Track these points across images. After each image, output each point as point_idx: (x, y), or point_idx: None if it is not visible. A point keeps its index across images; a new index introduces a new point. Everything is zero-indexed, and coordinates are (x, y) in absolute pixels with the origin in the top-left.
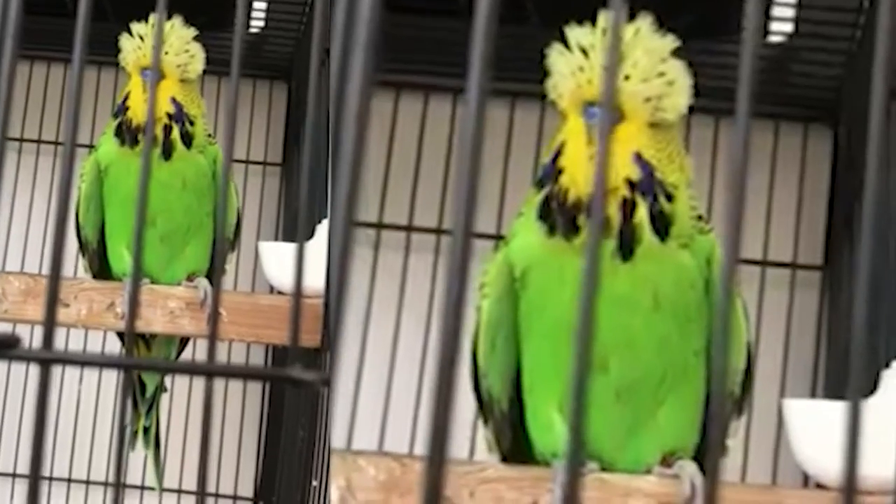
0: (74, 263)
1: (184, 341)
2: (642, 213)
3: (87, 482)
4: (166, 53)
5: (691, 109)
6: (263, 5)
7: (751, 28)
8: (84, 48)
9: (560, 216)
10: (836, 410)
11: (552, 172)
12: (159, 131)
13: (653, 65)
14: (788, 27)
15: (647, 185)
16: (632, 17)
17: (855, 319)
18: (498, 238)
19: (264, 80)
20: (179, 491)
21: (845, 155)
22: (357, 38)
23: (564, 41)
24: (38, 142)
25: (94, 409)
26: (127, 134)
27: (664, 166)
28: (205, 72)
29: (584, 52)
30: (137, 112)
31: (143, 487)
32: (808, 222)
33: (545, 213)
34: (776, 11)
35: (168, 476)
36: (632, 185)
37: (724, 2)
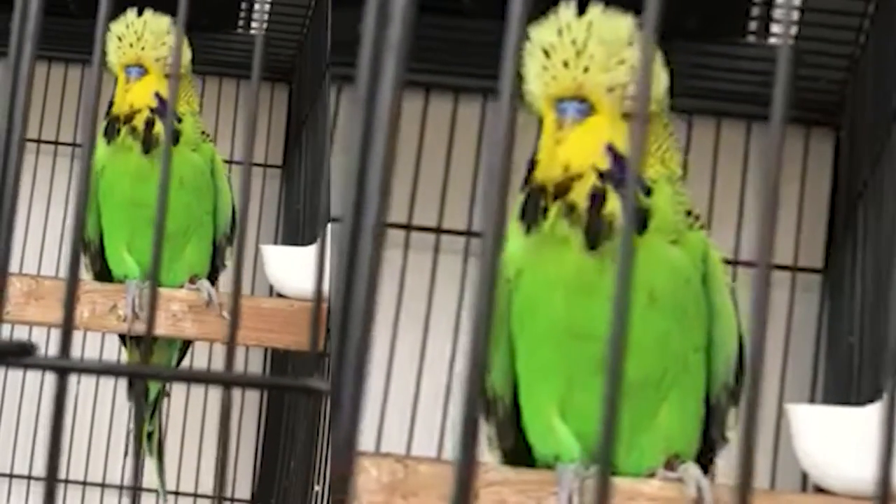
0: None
1: (185, 344)
2: (614, 205)
3: (84, 483)
4: (143, 49)
5: (693, 111)
6: (266, 7)
7: (785, 35)
8: (101, 55)
9: (529, 204)
10: (841, 416)
11: (529, 169)
12: (140, 124)
13: (611, 53)
14: (792, 30)
15: (621, 177)
16: (582, 9)
17: (891, 322)
18: None
19: (266, 82)
20: (177, 493)
21: (847, 158)
22: (389, 39)
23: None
24: (38, 141)
25: (92, 409)
26: (109, 128)
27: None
28: (206, 73)
29: (546, 52)
30: (120, 106)
31: (136, 489)
32: (809, 225)
33: (522, 213)
34: (779, 14)
35: (167, 477)
36: (601, 175)
37: (726, 5)
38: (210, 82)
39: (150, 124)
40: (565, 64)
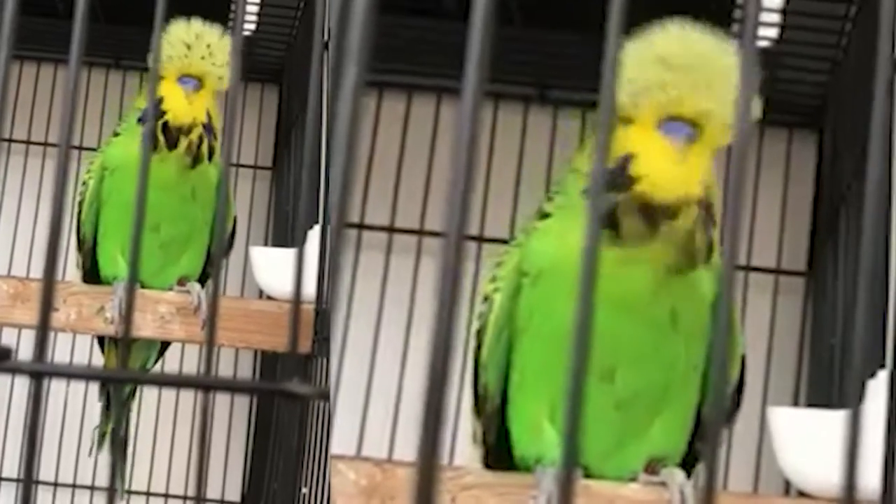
0: (63, 264)
1: (164, 345)
2: (702, 236)
3: (74, 486)
4: (213, 64)
5: None
6: (255, 8)
7: (749, 43)
8: (80, 51)
9: (640, 221)
10: (821, 419)
11: (623, 180)
12: (195, 139)
13: (733, 87)
14: (774, 33)
15: (706, 208)
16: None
17: (856, 331)
18: (480, 240)
19: (255, 84)
20: (166, 495)
21: (830, 161)
22: (350, 42)
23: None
24: (27, 143)
25: (81, 411)
26: (165, 137)
27: (712, 192)
28: None
29: (671, 67)
30: (180, 116)
31: (111, 489)
32: (792, 228)
33: (614, 222)
34: (762, 17)
35: (155, 480)
36: (700, 204)
37: (709, 6)
38: None
39: (200, 140)
40: (694, 85)
